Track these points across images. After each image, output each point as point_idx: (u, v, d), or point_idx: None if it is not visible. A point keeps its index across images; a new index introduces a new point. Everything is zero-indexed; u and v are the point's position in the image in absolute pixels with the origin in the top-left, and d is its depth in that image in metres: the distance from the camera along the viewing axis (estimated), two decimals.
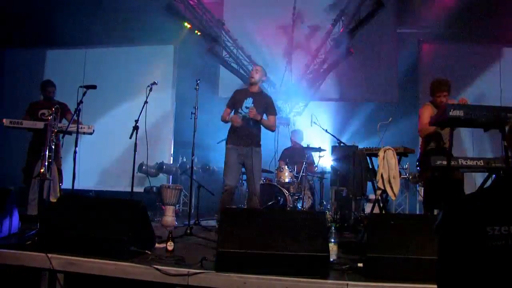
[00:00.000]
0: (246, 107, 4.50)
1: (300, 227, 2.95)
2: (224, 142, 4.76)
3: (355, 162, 4.66)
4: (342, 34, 7.19)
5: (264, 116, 4.63)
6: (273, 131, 4.82)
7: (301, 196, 6.23)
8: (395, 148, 3.95)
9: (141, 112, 4.43)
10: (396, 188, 3.83)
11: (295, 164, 6.47)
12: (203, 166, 7.49)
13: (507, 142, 3.10)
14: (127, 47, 9.02)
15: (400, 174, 4.26)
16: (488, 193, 1.39)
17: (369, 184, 4.74)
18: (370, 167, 4.31)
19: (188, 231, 4.35)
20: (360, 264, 2.93)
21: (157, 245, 3.54)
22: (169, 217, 4.43)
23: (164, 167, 7.76)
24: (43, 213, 4.18)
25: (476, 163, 3.51)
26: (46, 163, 4.27)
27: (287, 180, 6.20)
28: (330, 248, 3.02)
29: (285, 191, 5.94)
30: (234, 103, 4.65)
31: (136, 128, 4.41)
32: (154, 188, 7.13)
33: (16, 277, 3.06)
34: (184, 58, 8.65)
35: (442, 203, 3.80)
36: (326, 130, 6.11)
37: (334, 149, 6.19)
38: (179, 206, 7.51)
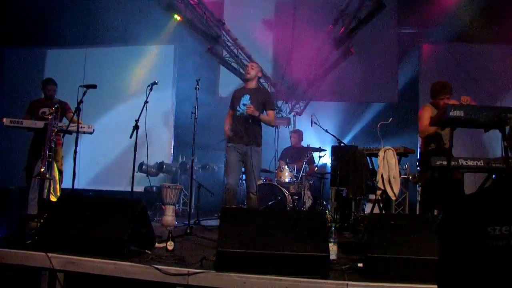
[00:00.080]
0: (244, 105, 4.47)
1: (300, 227, 2.95)
2: (224, 142, 4.76)
3: (355, 162, 4.65)
4: (342, 34, 7.18)
5: (264, 113, 4.61)
6: (273, 126, 4.80)
7: (301, 196, 6.24)
8: (395, 148, 3.95)
9: (141, 111, 4.43)
10: (396, 188, 3.83)
11: (295, 164, 6.48)
12: (203, 165, 7.49)
13: (507, 142, 3.11)
14: (128, 47, 9.02)
15: (400, 174, 4.26)
16: (489, 193, 1.40)
17: (369, 184, 4.73)
18: (370, 167, 4.31)
19: (188, 231, 4.35)
20: (360, 264, 2.93)
21: (157, 244, 3.54)
22: (169, 217, 4.44)
23: (164, 166, 7.76)
24: (43, 212, 4.18)
25: (476, 163, 3.52)
26: (46, 163, 4.28)
27: (287, 180, 6.20)
28: (330, 248, 3.02)
29: (285, 190, 5.94)
30: (233, 102, 4.64)
31: (136, 127, 4.41)
32: (154, 188, 7.13)
33: (16, 277, 3.06)
34: (185, 57, 8.65)
35: (440, 204, 3.80)
36: (326, 130, 6.11)
37: (334, 149, 6.19)
38: (179, 206, 7.52)
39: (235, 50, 7.98)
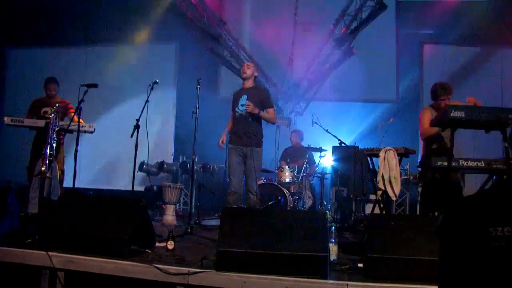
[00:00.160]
0: (242, 105, 4.46)
1: (301, 227, 2.95)
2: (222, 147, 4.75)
3: (356, 163, 4.66)
4: (343, 34, 7.18)
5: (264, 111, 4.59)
6: (274, 123, 4.78)
7: (301, 196, 6.24)
8: (396, 148, 3.95)
9: (142, 111, 4.44)
10: (397, 189, 3.83)
11: (296, 164, 6.47)
12: (203, 165, 7.49)
13: (508, 143, 3.10)
14: (129, 46, 9.02)
15: (401, 175, 4.26)
16: (490, 194, 1.39)
17: (370, 184, 4.74)
18: (371, 167, 4.31)
19: (189, 230, 4.35)
20: (360, 265, 2.93)
21: (157, 244, 3.54)
22: (170, 216, 4.43)
23: (165, 166, 7.76)
24: (44, 211, 4.19)
25: (477, 164, 3.51)
26: (47, 161, 4.28)
27: (287, 180, 6.20)
28: (330, 248, 3.02)
29: (285, 191, 5.94)
30: (233, 104, 4.63)
31: (137, 127, 4.42)
32: (155, 187, 7.13)
33: (17, 275, 3.07)
34: (186, 57, 8.65)
35: (441, 204, 3.80)
36: (327, 130, 6.11)
37: (335, 149, 6.19)
38: (179, 205, 7.52)
39: (236, 50, 7.98)
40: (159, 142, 8.47)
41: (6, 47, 9.59)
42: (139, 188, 6.93)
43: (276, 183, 6.11)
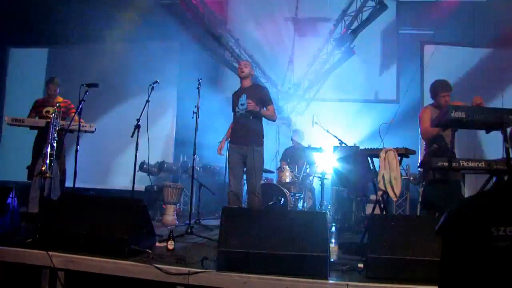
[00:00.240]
0: (242, 104, 4.46)
1: (301, 227, 2.95)
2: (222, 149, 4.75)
3: (356, 163, 4.65)
4: (344, 34, 7.18)
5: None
6: (274, 120, 4.78)
7: (302, 196, 6.24)
8: (396, 149, 3.94)
9: (142, 110, 4.44)
10: (397, 189, 3.82)
11: (296, 164, 6.47)
12: (204, 165, 7.49)
13: (508, 143, 3.10)
14: (130, 46, 9.02)
15: (401, 175, 4.25)
16: (492, 195, 1.39)
17: (370, 184, 4.73)
18: (371, 167, 4.31)
19: (189, 230, 4.35)
20: (360, 265, 2.93)
21: (157, 244, 3.54)
22: (170, 216, 4.45)
23: (165, 166, 7.76)
24: (44, 211, 4.19)
25: (478, 164, 3.51)
26: (48, 161, 4.29)
27: (288, 180, 6.20)
28: (331, 249, 3.03)
29: (286, 191, 5.94)
30: (233, 105, 4.62)
31: (137, 126, 4.42)
32: (155, 187, 7.12)
33: (17, 275, 3.07)
34: (186, 57, 8.64)
35: (441, 204, 3.79)
36: (327, 131, 6.11)
37: (335, 149, 6.18)
38: (179, 205, 7.51)
39: (237, 50, 7.98)
40: (159, 142, 8.47)
41: (6, 47, 9.59)
42: (139, 188, 6.91)
43: (276, 183, 6.11)
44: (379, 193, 4.02)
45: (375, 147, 4.16)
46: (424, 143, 4.37)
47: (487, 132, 3.50)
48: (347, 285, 2.62)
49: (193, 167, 4.85)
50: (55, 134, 4.50)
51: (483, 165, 3.50)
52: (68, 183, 4.83)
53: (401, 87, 8.48)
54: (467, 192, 4.16)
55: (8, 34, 8.84)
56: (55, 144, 4.50)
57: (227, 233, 2.95)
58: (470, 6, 7.47)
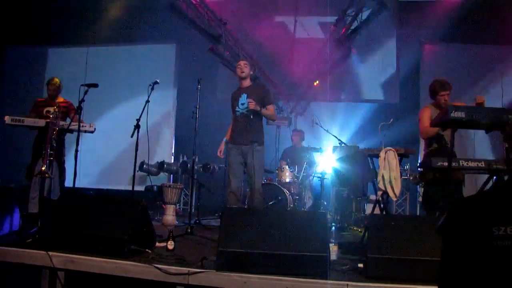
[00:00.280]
0: (242, 104, 4.45)
1: (301, 227, 2.96)
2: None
3: (356, 163, 4.65)
4: (344, 34, 7.18)
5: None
6: (274, 120, 4.77)
7: (301, 196, 6.24)
8: (396, 149, 3.95)
9: (142, 110, 4.43)
10: (397, 189, 3.83)
11: (296, 164, 6.47)
12: (204, 165, 7.49)
13: (508, 143, 3.10)
14: (129, 46, 9.03)
15: (401, 175, 4.25)
16: (492, 194, 1.40)
17: (370, 184, 4.74)
18: (371, 167, 4.31)
19: (189, 230, 4.35)
20: (360, 265, 2.93)
21: (157, 244, 3.54)
22: (170, 216, 4.42)
23: (165, 166, 7.76)
24: (44, 211, 4.19)
25: (477, 164, 3.51)
26: (48, 161, 4.28)
27: (287, 180, 6.20)
28: (330, 248, 3.03)
29: (285, 191, 5.94)
30: (232, 105, 4.60)
31: (137, 126, 4.42)
32: (155, 187, 7.13)
33: (17, 275, 3.07)
34: (186, 57, 8.66)
35: (442, 204, 3.80)
36: (327, 130, 6.11)
37: (335, 149, 6.18)
38: (179, 205, 7.52)
39: (236, 50, 7.98)
40: (159, 142, 8.47)
41: (5, 47, 9.58)
42: (139, 188, 6.92)
43: (276, 183, 6.11)
44: (379, 193, 4.03)
45: (375, 147, 4.17)
46: (424, 143, 4.36)
47: (487, 132, 3.50)
48: (347, 285, 2.62)
49: (193, 167, 4.85)
50: (55, 134, 4.50)
51: (483, 165, 3.50)
52: (68, 183, 4.83)
53: (400, 87, 8.48)
54: (467, 192, 4.15)
55: (6, 34, 8.82)
56: (55, 144, 4.50)
57: (227, 233, 2.95)
58: (470, 5, 7.46)
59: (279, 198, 5.86)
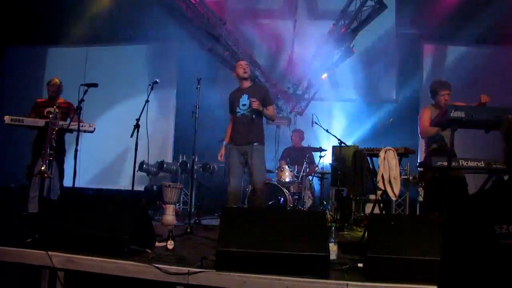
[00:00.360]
0: (244, 105, 4.45)
1: (300, 227, 2.96)
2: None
3: (355, 162, 4.65)
4: (343, 34, 7.17)
5: None
6: (274, 120, 4.78)
7: (301, 196, 6.24)
8: (396, 148, 3.95)
9: (142, 110, 4.43)
10: (397, 189, 3.82)
11: (296, 163, 6.48)
12: (203, 165, 7.49)
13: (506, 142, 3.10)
14: (129, 45, 9.03)
15: (401, 175, 4.26)
16: (493, 193, 1.39)
17: (370, 184, 4.73)
18: (371, 167, 4.31)
19: (188, 230, 4.35)
20: (360, 264, 2.93)
21: (157, 243, 3.54)
22: (170, 216, 4.43)
23: (165, 165, 7.76)
24: (44, 211, 4.19)
25: (477, 164, 3.51)
26: (47, 161, 4.28)
27: (287, 180, 6.21)
28: (330, 248, 3.02)
29: (285, 190, 5.94)
30: (232, 105, 4.59)
31: (137, 126, 4.42)
32: (155, 187, 7.13)
33: (17, 275, 3.07)
34: (186, 57, 8.65)
35: (443, 204, 3.80)
36: (327, 130, 6.11)
37: (334, 149, 6.19)
38: (179, 205, 7.52)
39: (236, 50, 7.97)
40: (159, 142, 8.47)
41: (5, 47, 9.58)
42: (139, 188, 6.92)
43: (276, 183, 6.11)
44: (379, 192, 4.03)
45: (375, 147, 4.17)
46: (424, 143, 4.37)
47: (487, 132, 3.50)
48: (347, 284, 2.62)
49: (192, 166, 4.85)
50: (55, 134, 4.50)
51: (483, 165, 3.50)
52: (68, 183, 4.82)
53: (400, 87, 8.49)
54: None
55: (6, 34, 8.82)
56: (54, 144, 4.49)
57: (226, 232, 2.95)
58: (470, 5, 7.46)
59: (279, 197, 5.87)
